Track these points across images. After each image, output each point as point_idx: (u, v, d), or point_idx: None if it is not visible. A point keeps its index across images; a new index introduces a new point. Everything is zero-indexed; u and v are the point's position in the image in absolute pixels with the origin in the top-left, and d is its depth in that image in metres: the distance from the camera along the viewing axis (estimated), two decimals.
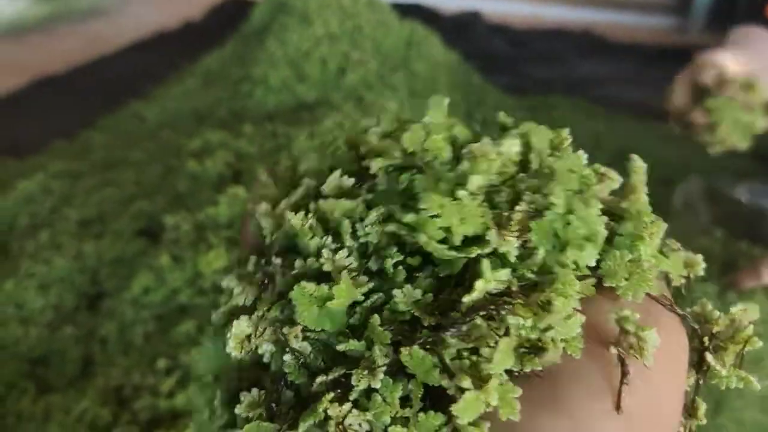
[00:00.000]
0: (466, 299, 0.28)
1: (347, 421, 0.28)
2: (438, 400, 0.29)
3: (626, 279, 0.30)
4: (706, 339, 0.34)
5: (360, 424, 0.28)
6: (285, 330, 0.30)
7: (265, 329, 0.31)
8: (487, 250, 0.29)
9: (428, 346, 0.28)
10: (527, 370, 0.28)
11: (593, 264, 0.30)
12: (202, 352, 0.37)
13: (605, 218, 0.31)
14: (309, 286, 0.30)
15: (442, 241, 0.29)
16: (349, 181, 0.33)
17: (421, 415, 0.28)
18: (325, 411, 0.28)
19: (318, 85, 1.56)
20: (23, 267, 1.18)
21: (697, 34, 2.68)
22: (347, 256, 0.31)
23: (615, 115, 2.10)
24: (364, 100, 1.49)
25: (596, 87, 2.26)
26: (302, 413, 0.29)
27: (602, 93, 2.21)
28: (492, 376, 0.27)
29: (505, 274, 0.29)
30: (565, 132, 0.34)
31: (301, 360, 0.30)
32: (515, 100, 2.04)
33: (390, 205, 0.31)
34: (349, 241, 0.31)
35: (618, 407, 0.28)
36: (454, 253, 0.29)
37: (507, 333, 0.28)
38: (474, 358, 0.28)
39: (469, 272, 0.29)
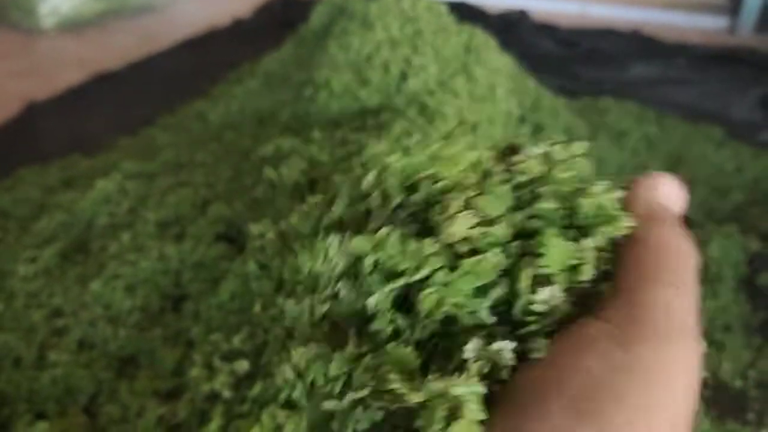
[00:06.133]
0: None
1: None
2: None
3: None
4: None
5: None
6: None
7: None
8: None
9: None
10: None
11: None
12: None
13: None
14: None
15: None
16: None
17: None
18: None
19: (380, 90, 1.60)
20: (109, 268, 1.23)
21: (748, 35, 2.68)
22: None
23: (667, 117, 2.12)
24: (426, 106, 1.52)
25: (647, 89, 2.28)
26: None
27: (653, 95, 2.23)
28: None
29: None
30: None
31: None
32: (567, 103, 2.07)
33: None
34: None
35: None
36: None
37: None
38: None
39: None
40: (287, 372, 0.87)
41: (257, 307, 1.02)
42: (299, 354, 0.85)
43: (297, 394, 0.43)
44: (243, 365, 0.97)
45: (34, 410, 1.11)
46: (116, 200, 1.45)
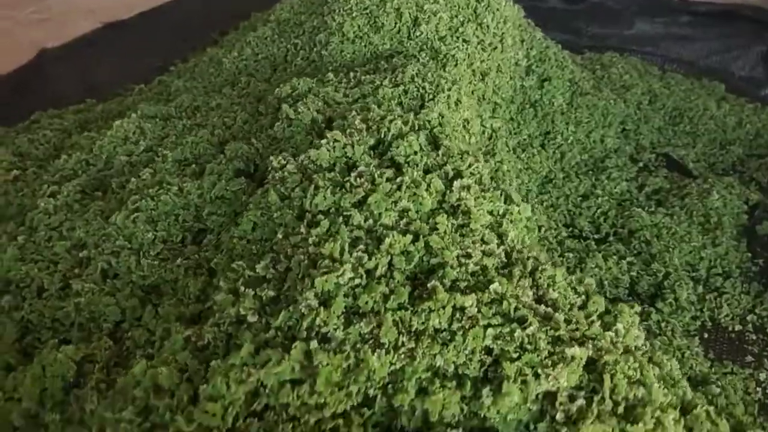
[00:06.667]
0: None
1: None
2: None
3: None
4: None
5: None
6: None
7: None
8: None
9: None
10: None
11: None
12: None
13: None
14: None
15: None
16: None
17: None
18: None
19: (393, 36, 1.61)
20: (130, 202, 1.25)
21: None
22: None
23: (670, 73, 2.15)
24: (438, 51, 1.54)
25: (651, 44, 2.31)
26: None
27: (657, 51, 2.27)
28: None
29: None
30: None
31: None
32: (573, 57, 2.09)
33: None
34: None
35: None
36: None
37: None
38: None
39: None
40: (311, 299, 0.90)
41: (279, 235, 1.05)
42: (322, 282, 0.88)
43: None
44: (267, 291, 0.99)
45: (58, 337, 1.13)
46: (134, 139, 1.46)
